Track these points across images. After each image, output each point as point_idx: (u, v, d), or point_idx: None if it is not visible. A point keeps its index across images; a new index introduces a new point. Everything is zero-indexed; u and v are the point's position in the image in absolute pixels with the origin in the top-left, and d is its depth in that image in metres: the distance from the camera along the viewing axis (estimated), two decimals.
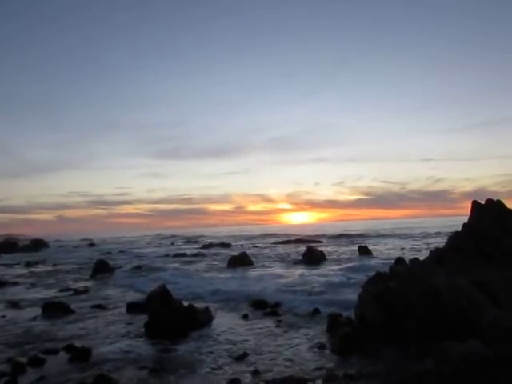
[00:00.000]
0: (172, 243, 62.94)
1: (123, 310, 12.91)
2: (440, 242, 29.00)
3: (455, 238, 9.09)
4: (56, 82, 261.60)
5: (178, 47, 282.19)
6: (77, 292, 16.82)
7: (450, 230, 10.87)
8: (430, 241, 37.93)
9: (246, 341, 9.05)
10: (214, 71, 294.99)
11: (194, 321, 10.50)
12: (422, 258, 9.99)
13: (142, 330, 10.19)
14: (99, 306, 13.57)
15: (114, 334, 10.09)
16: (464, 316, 6.74)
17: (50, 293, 17.01)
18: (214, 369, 7.37)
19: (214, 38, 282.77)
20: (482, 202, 9.57)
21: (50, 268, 29.03)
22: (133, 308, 12.74)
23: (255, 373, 6.99)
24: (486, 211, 9.12)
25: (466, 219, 9.70)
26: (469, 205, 9.81)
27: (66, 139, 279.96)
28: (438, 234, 48.76)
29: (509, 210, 9.20)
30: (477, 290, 7.13)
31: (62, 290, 17.56)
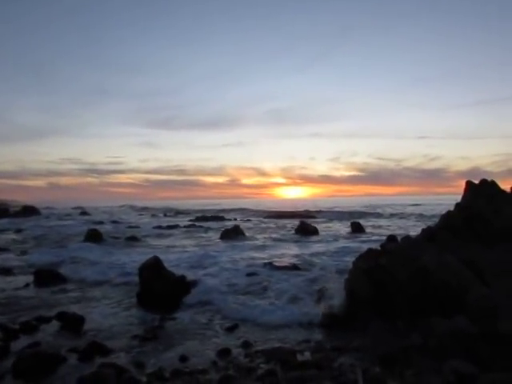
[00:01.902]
0: (165, 214, 63.14)
1: (115, 275, 13.22)
2: (433, 220, 29.38)
3: (447, 217, 9.23)
4: (48, 46, 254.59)
5: (174, 12, 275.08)
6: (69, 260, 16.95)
7: (443, 209, 10.99)
8: (424, 219, 38.36)
9: (238, 311, 9.25)
10: (210, 39, 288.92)
11: (186, 291, 10.71)
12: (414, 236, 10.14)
13: (135, 299, 10.39)
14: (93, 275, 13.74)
15: (106, 303, 10.27)
16: (451, 293, 6.92)
17: (43, 260, 17.12)
18: (205, 339, 7.58)
19: (212, 5, 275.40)
20: (476, 182, 9.67)
21: (40, 234, 29.16)
22: (125, 276, 13.00)
23: (245, 344, 7.21)
24: (480, 191, 9.23)
25: (459, 198, 9.81)
26: (463, 184, 9.92)
27: (58, 104, 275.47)
28: (431, 211, 49.30)
29: (501, 190, 9.32)
30: (465, 268, 7.30)
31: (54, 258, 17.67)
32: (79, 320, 8.33)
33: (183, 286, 10.89)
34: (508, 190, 9.36)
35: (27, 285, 12.39)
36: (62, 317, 8.59)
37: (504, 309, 5.94)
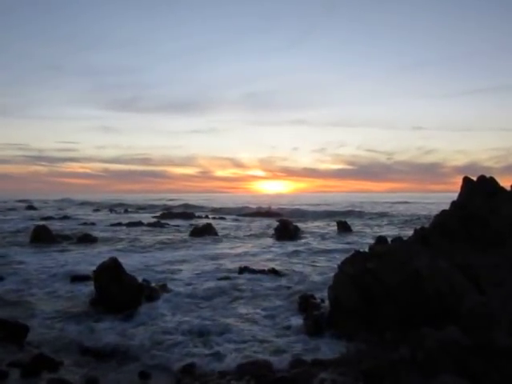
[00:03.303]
0: (126, 210, 62.46)
1: (66, 282, 13.04)
2: (426, 221, 30.06)
3: (442, 217, 9.46)
4: None
5: None
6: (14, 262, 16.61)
7: (438, 208, 11.28)
8: (417, 219, 39.18)
9: (206, 318, 9.28)
10: (182, 12, 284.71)
11: (147, 299, 10.67)
12: (405, 238, 10.37)
13: (88, 306, 10.31)
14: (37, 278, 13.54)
15: (54, 310, 10.12)
16: (444, 301, 7.13)
17: None
18: (170, 348, 7.58)
19: None
20: (474, 179, 9.94)
21: None
22: (78, 281, 12.91)
23: (216, 355, 7.24)
24: (477, 189, 9.50)
25: (456, 196, 10.07)
26: (460, 180, 10.18)
27: (0, 81, 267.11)
28: (425, 210, 50.41)
29: (501, 188, 9.60)
30: (459, 273, 7.53)
31: None
32: (22, 329, 8.18)
33: (146, 293, 10.83)
34: (508, 187, 9.66)
35: None
36: (1, 326, 8.40)
37: (500, 319, 6.16)
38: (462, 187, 9.89)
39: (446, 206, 10.02)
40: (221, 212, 55.95)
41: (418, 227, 10.10)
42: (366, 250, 9.50)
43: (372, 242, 15.59)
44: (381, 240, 15.02)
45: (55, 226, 31.93)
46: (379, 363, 6.06)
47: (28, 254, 18.78)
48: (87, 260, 16.97)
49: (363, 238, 25.67)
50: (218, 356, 7.27)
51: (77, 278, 13.24)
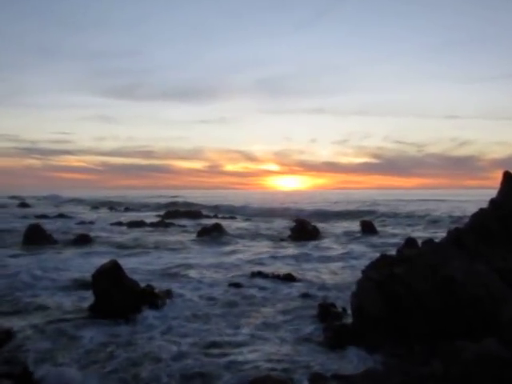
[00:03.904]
0: (126, 208, 62.98)
1: (63, 285, 13.24)
2: (462, 221, 29.76)
3: (479, 217, 9.39)
4: None
5: None
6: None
7: (474, 206, 11.17)
8: (450, 218, 38.87)
9: (214, 329, 9.34)
10: None
11: (151, 305, 10.76)
12: (438, 240, 10.32)
13: (86, 312, 10.45)
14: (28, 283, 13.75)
15: (51, 315, 10.27)
16: (482, 310, 7.09)
17: None
18: (175, 359, 7.65)
19: None
20: None
21: None
22: (76, 285, 13.13)
23: (225, 369, 7.29)
24: None
25: (495, 193, 9.99)
26: (499, 175, 10.08)
27: None
28: (460, 209, 49.96)
29: None
30: (499, 279, 7.46)
31: None
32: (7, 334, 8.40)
33: (150, 299, 10.93)
34: None
35: None
36: None
37: None
38: (502, 183, 9.80)
39: (484, 204, 9.94)
40: (231, 210, 56.08)
41: (452, 228, 10.04)
42: (394, 253, 9.47)
43: (400, 244, 15.50)
44: (410, 242, 14.95)
45: (50, 225, 32.29)
46: (408, 378, 6.04)
47: (19, 256, 19.02)
48: (85, 263, 17.15)
49: (390, 239, 25.51)
50: (228, 370, 7.31)
51: (74, 282, 13.39)
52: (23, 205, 66.31)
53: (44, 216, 43.26)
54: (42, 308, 11.04)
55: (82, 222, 37.23)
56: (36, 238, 23.47)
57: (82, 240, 24.47)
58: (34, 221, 31.48)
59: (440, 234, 13.49)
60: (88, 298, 11.23)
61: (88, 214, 50.28)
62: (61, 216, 44.84)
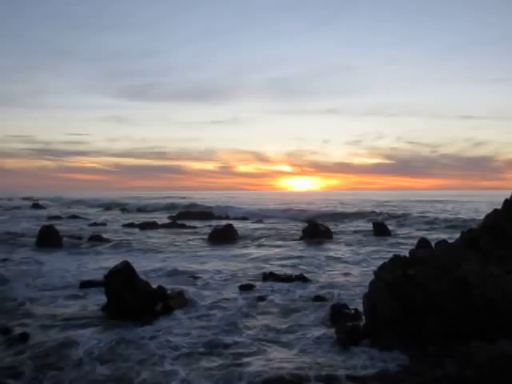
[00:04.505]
0: (139, 209, 63.36)
1: (76, 287, 13.40)
2: (475, 222, 29.52)
3: (494, 217, 9.32)
4: None
5: None
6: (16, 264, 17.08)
7: (489, 207, 11.08)
8: (464, 219, 38.57)
9: (228, 331, 9.37)
10: None
11: (164, 307, 10.82)
12: (452, 241, 10.26)
13: (99, 313, 10.56)
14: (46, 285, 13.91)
15: (61, 317, 10.38)
16: (496, 311, 7.03)
17: None
18: (186, 362, 7.69)
19: None
20: None
21: None
22: (88, 286, 13.23)
23: (240, 367, 7.31)
24: None
25: (510, 193, 9.91)
26: None
27: (4, 67, 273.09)
28: (474, 209, 49.58)
29: None
30: None
31: None
32: (23, 336, 8.57)
33: (162, 301, 10.99)
34: None
35: None
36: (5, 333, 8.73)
37: None
38: None
39: (499, 205, 9.86)
40: (243, 211, 56.16)
41: (466, 229, 9.98)
42: (407, 254, 9.44)
43: (413, 245, 15.44)
44: (423, 243, 14.93)
45: (63, 226, 32.65)
46: (422, 380, 6.02)
47: (33, 257, 19.23)
48: (97, 264, 17.32)
49: (403, 241, 25.42)
50: (240, 374, 7.33)
51: (86, 284, 13.51)
52: (36, 206, 66.99)
53: (57, 217, 43.72)
54: (51, 311, 11.12)
55: (95, 224, 37.54)
56: (49, 239, 23.69)
57: (95, 241, 24.69)
58: (46, 222, 31.81)
59: (454, 236, 13.41)
60: (100, 299, 11.33)
61: (100, 215, 50.68)
62: (73, 217, 45.30)
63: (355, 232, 31.47)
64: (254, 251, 21.95)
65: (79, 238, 26.19)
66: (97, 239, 25.26)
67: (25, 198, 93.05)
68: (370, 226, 31.64)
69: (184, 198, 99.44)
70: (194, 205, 67.60)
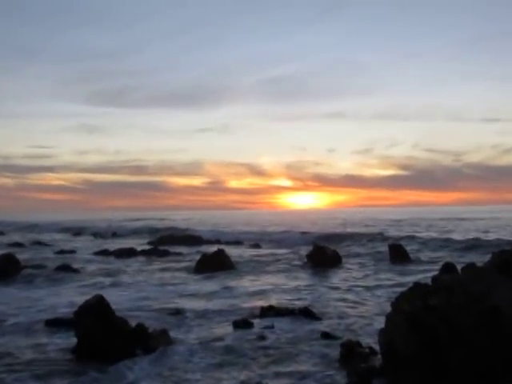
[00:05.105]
0: (114, 233, 63.12)
1: (40, 326, 13.26)
2: (507, 243, 29.55)
3: None
4: None
5: None
6: None
7: None
8: (494, 239, 38.66)
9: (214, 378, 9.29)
10: None
11: (144, 347, 10.75)
12: (480, 264, 10.28)
13: (67, 356, 10.48)
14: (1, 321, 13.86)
15: (24, 364, 10.30)
16: None
17: None
18: None
19: None
20: None
21: None
22: (54, 325, 13.14)
23: None
24: None
25: None
26: None
27: None
28: (505, 228, 49.68)
29: None
30: None
31: None
32: None
33: (142, 341, 10.92)
34: None
35: None
36: None
37: None
38: None
39: None
40: (236, 235, 56.07)
41: (497, 250, 10.01)
42: (428, 281, 9.44)
43: (435, 271, 15.44)
44: (447, 268, 14.94)
45: (25, 254, 32.49)
46: None
47: None
48: (65, 298, 17.20)
49: (423, 266, 25.41)
50: None
51: (52, 322, 13.41)
52: None
53: (18, 244, 43.48)
54: (7, 354, 11.00)
55: (62, 251, 37.34)
56: (8, 270, 23.55)
57: (62, 271, 24.54)
58: (5, 250, 31.64)
59: (483, 259, 13.37)
60: (69, 339, 11.26)
61: (69, 241, 50.45)
62: (37, 243, 45.11)
63: (368, 256, 31.46)
64: (250, 281, 21.87)
65: (44, 267, 26.02)
66: (65, 269, 25.10)
67: None
68: (384, 249, 31.64)
69: (167, 219, 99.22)
70: (178, 227, 67.45)
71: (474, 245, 36.71)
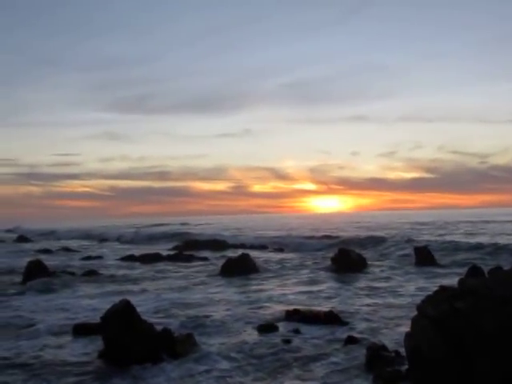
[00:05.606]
0: (139, 239, 63.60)
1: (67, 330, 13.48)
2: None
3: None
4: None
5: None
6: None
7: None
8: None
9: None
10: None
11: (170, 352, 10.81)
12: (507, 268, 10.15)
13: (95, 361, 10.62)
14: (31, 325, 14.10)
15: (52, 366, 10.43)
16: None
17: None
18: None
19: None
20: None
21: None
22: (82, 331, 13.26)
23: None
24: None
25: None
26: None
27: None
28: None
29: None
30: None
31: None
32: None
33: (168, 346, 10.98)
34: None
35: None
36: None
37: None
38: None
39: None
40: (261, 239, 56.09)
41: None
42: (455, 284, 9.36)
43: (462, 274, 15.27)
44: (474, 271, 14.78)
45: (53, 260, 32.94)
46: None
47: (17, 298, 19.41)
48: (93, 303, 17.42)
49: (450, 269, 25.15)
50: None
51: (80, 327, 13.55)
52: (22, 239, 67.66)
53: (46, 251, 44.11)
54: (40, 360, 11.16)
55: (89, 257, 37.79)
56: (37, 276, 23.87)
57: (89, 277, 24.84)
58: (34, 257, 32.11)
59: (510, 262, 13.20)
60: (96, 344, 11.39)
61: (95, 247, 51.05)
62: (65, 250, 45.72)
63: (393, 259, 31.25)
64: (275, 285, 21.87)
65: (71, 273, 26.37)
66: (91, 275, 25.42)
67: (8, 230, 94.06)
68: (410, 252, 31.37)
69: (191, 224, 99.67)
70: (202, 232, 67.71)
71: (500, 248, 36.21)
